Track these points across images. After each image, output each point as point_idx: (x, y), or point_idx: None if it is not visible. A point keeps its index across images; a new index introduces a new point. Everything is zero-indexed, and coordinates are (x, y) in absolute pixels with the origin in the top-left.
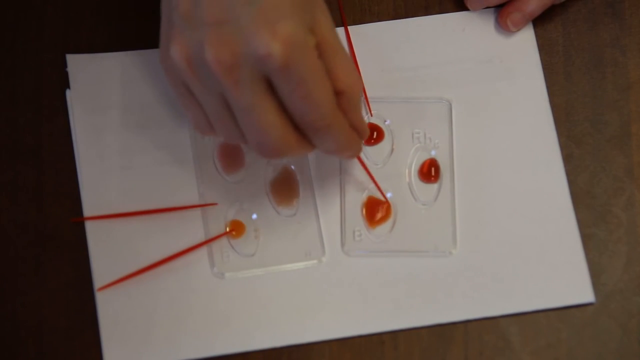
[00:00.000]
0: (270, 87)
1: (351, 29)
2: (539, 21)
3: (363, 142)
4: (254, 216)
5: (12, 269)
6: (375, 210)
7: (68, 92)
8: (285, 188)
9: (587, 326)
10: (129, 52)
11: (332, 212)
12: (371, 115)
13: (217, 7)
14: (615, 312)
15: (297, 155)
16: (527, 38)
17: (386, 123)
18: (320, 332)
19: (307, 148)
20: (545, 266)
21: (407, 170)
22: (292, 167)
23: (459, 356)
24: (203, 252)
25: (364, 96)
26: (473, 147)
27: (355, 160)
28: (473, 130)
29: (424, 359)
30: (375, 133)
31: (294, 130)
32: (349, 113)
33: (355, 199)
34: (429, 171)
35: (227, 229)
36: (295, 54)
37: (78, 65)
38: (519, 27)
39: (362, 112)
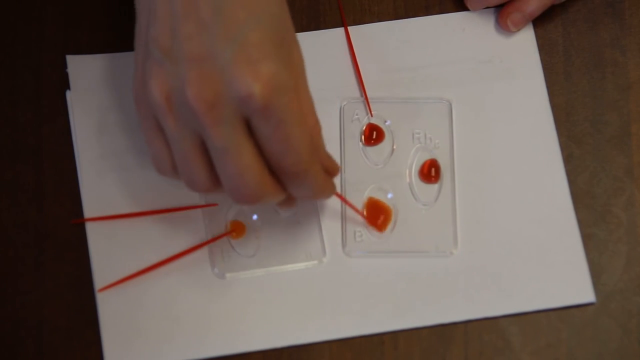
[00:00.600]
0: (249, 130)
1: (351, 29)
2: (539, 21)
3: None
4: (255, 217)
5: (12, 269)
6: (376, 211)
7: (68, 93)
8: None
9: (587, 326)
10: (129, 53)
11: (333, 212)
12: (371, 116)
13: (197, 43)
14: (615, 312)
15: (270, 202)
16: (527, 38)
17: (386, 123)
18: (321, 332)
19: (281, 194)
20: (546, 266)
21: (407, 171)
22: None
23: (459, 356)
24: (204, 252)
25: (364, 96)
26: (473, 147)
27: (355, 161)
28: (473, 130)
29: (424, 359)
30: (375, 133)
31: (269, 175)
32: (318, 152)
33: (356, 200)
34: (430, 171)
35: (228, 230)
36: (276, 95)
37: (78, 66)
38: (519, 27)
39: (325, 149)
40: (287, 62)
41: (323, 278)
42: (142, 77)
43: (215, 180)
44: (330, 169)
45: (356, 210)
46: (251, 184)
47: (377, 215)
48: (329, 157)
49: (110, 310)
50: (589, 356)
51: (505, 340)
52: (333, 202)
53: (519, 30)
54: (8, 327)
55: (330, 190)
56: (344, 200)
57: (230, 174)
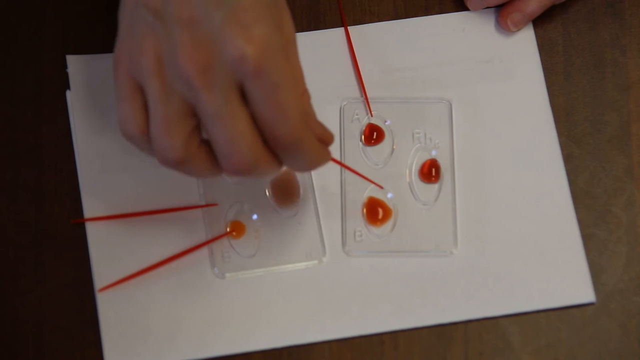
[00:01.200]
0: (243, 97)
1: (351, 29)
2: (539, 21)
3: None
4: (255, 217)
5: (12, 269)
6: (376, 210)
7: (68, 93)
8: (285, 189)
9: (587, 326)
10: None
11: (333, 212)
12: (371, 116)
13: (188, 6)
14: (615, 312)
15: (264, 174)
16: (527, 38)
17: (386, 123)
18: (321, 332)
19: (276, 165)
20: (546, 266)
21: (407, 171)
22: None
23: (459, 356)
24: (204, 252)
25: (364, 96)
26: (473, 147)
27: (355, 161)
28: (473, 130)
29: (424, 359)
30: (375, 133)
31: (263, 144)
32: (310, 121)
33: (356, 199)
34: (430, 171)
35: (228, 230)
36: (269, 58)
37: (78, 66)
38: (519, 27)
39: (317, 118)
40: (279, 26)
41: (323, 278)
42: (131, 40)
43: (189, 151)
44: (324, 138)
45: (359, 174)
46: (244, 151)
47: (376, 211)
48: (321, 126)
49: (111, 310)
50: (589, 356)
51: (505, 340)
52: (333, 202)
53: (519, 30)
54: (8, 327)
55: (326, 158)
56: (342, 165)
57: (223, 140)
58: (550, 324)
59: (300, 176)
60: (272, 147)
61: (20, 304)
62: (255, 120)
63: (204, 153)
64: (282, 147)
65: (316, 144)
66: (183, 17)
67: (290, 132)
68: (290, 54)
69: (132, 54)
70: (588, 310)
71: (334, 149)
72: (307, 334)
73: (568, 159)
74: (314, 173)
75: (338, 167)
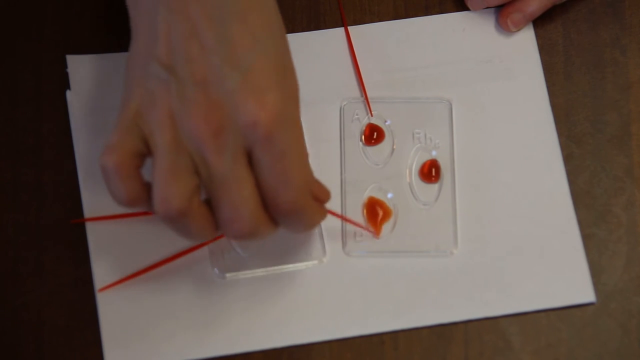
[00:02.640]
0: (249, 162)
1: (351, 29)
2: (539, 21)
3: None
4: None
5: (12, 269)
6: (376, 210)
7: (68, 93)
8: None
9: (587, 326)
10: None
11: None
12: (371, 116)
13: (203, 65)
14: (615, 312)
15: (260, 237)
16: (527, 38)
17: (386, 123)
18: (322, 332)
19: (274, 230)
20: (546, 266)
21: (407, 171)
22: None
23: (459, 356)
24: (204, 252)
25: (364, 96)
26: (473, 147)
27: (355, 161)
28: (473, 130)
29: (424, 359)
30: (375, 133)
31: (264, 210)
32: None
33: (356, 200)
34: (430, 171)
35: None
36: (280, 126)
37: (78, 66)
38: (519, 27)
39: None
40: (288, 91)
41: (323, 278)
42: (142, 93)
43: (191, 205)
44: (321, 196)
45: (357, 224)
46: (246, 218)
47: (376, 213)
48: (319, 185)
49: (111, 310)
50: (589, 356)
51: (505, 340)
52: (333, 202)
53: (519, 30)
54: (8, 327)
55: (322, 218)
56: (342, 218)
57: (226, 204)
58: (550, 324)
59: None
60: (272, 212)
61: (20, 304)
62: (258, 185)
63: (204, 211)
64: (283, 213)
65: (315, 209)
66: (197, 77)
67: (292, 200)
68: (295, 115)
69: (142, 106)
70: (588, 310)
71: (335, 149)
72: (307, 334)
73: (568, 159)
74: (314, 173)
75: (337, 165)
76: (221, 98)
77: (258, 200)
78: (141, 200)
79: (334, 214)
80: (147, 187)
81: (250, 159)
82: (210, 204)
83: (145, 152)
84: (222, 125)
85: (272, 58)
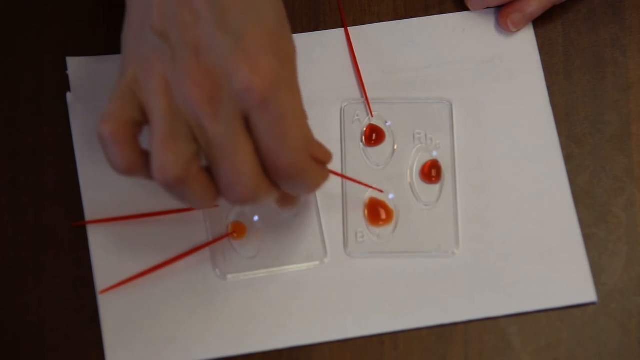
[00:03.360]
0: (247, 126)
1: (351, 29)
2: (539, 21)
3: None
4: (256, 218)
5: (12, 269)
6: (378, 211)
7: (69, 95)
8: None
9: (587, 326)
10: None
11: (334, 213)
12: (372, 117)
13: (195, 31)
14: (615, 312)
15: (262, 202)
16: (527, 38)
17: (387, 124)
18: (322, 333)
19: (275, 194)
20: (547, 266)
21: (408, 171)
22: None
23: (459, 356)
24: (205, 254)
25: (364, 97)
26: (474, 147)
27: (356, 162)
28: (474, 130)
29: (424, 359)
30: (376, 134)
31: (264, 173)
32: (310, 144)
33: (357, 200)
34: (431, 172)
35: (229, 231)
36: (275, 89)
37: (78, 68)
38: (519, 27)
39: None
40: (284, 55)
41: (324, 279)
42: (137, 60)
43: (190, 172)
44: (323, 158)
45: (358, 182)
46: (246, 182)
47: (377, 212)
48: (319, 146)
49: (112, 312)
50: (589, 356)
51: (505, 340)
52: (334, 203)
53: (519, 30)
54: (8, 327)
55: (324, 179)
56: (341, 175)
57: (225, 169)
58: (550, 324)
59: None
60: (272, 176)
61: (20, 304)
62: (257, 149)
63: (203, 178)
64: (283, 177)
65: (316, 170)
66: (190, 42)
67: (292, 163)
68: (293, 81)
69: (138, 73)
70: (588, 310)
71: (335, 151)
72: (308, 335)
73: (568, 159)
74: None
75: (338, 166)
76: (214, 63)
77: (257, 163)
78: (139, 168)
79: (335, 173)
80: (145, 155)
81: (247, 124)
82: (210, 171)
83: (142, 120)
84: (216, 90)
85: (265, 22)
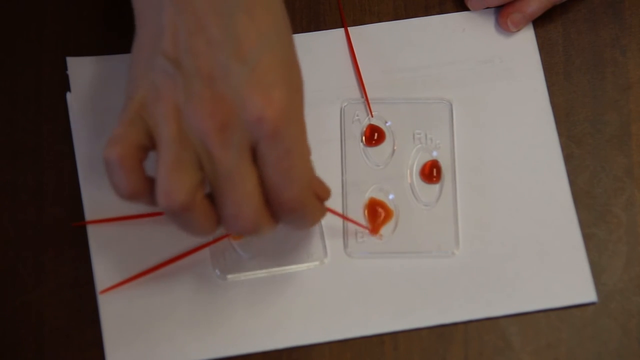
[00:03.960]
0: (254, 158)
1: (351, 29)
2: (539, 21)
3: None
4: None
5: (12, 269)
6: (377, 211)
7: (69, 95)
8: None
9: (587, 326)
10: (129, 55)
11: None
12: (372, 117)
13: (210, 60)
14: (615, 312)
15: (261, 234)
16: (527, 38)
17: (387, 124)
18: (322, 333)
19: (274, 227)
20: (547, 266)
21: (408, 171)
22: None
23: (459, 356)
24: (205, 254)
25: (365, 97)
26: (474, 147)
27: (356, 162)
28: (474, 130)
29: (424, 359)
30: (376, 134)
31: (266, 206)
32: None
33: (357, 201)
34: (431, 172)
35: None
36: (286, 122)
37: (78, 67)
38: (519, 27)
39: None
40: (295, 87)
41: (324, 279)
42: (147, 85)
43: (195, 200)
44: (322, 195)
45: (356, 223)
46: (250, 214)
47: (377, 212)
48: (320, 182)
49: (112, 312)
50: (589, 356)
51: (505, 340)
52: (335, 203)
53: (519, 30)
54: (8, 327)
55: (322, 216)
56: (342, 216)
57: (230, 201)
58: (550, 324)
59: None
60: (274, 209)
61: (20, 304)
62: (261, 181)
63: (207, 206)
64: (286, 210)
65: (317, 206)
66: (203, 72)
67: (295, 197)
68: (301, 110)
69: (147, 99)
70: (588, 310)
71: (335, 150)
72: (308, 336)
73: (568, 159)
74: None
75: (338, 167)
76: (227, 93)
77: (261, 196)
78: (143, 194)
79: (333, 212)
80: (149, 182)
81: (254, 155)
82: (212, 199)
83: (149, 145)
84: (228, 120)
85: (278, 53)
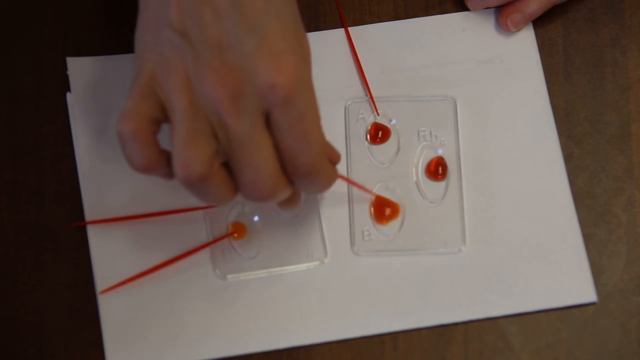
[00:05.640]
0: (267, 124)
1: (351, 29)
2: (539, 21)
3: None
4: (256, 218)
5: (12, 269)
6: (383, 209)
7: (69, 95)
8: None
9: (587, 326)
10: (129, 55)
11: (335, 212)
12: (377, 115)
13: (217, 30)
14: (615, 312)
15: (277, 200)
16: (527, 38)
17: (392, 123)
18: (323, 333)
19: (290, 191)
20: (548, 266)
21: (414, 169)
22: None
23: (459, 356)
24: (205, 254)
25: (369, 95)
26: (475, 147)
27: (361, 160)
28: (475, 130)
29: (424, 359)
30: (381, 132)
31: (282, 171)
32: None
33: (363, 198)
34: (437, 169)
35: (229, 231)
36: (297, 88)
37: (78, 68)
38: (519, 27)
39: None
40: (303, 53)
41: (324, 279)
42: (156, 58)
43: (212, 169)
44: (333, 158)
45: (364, 189)
46: (266, 180)
47: (383, 210)
48: (331, 147)
49: (112, 312)
50: (589, 356)
51: (505, 340)
52: (335, 202)
53: (519, 30)
54: (8, 327)
55: (335, 179)
56: (350, 181)
57: (246, 167)
58: (550, 324)
59: None
60: (290, 174)
61: (20, 304)
62: (276, 147)
63: (224, 175)
64: (301, 174)
65: (330, 169)
66: (212, 41)
67: (311, 162)
68: (310, 78)
69: (157, 71)
70: (588, 310)
71: (340, 150)
72: (308, 336)
73: (568, 159)
74: None
75: (343, 165)
76: (237, 62)
77: (277, 162)
78: (158, 166)
79: (341, 177)
80: (164, 154)
81: (267, 121)
82: (228, 167)
83: (161, 117)
84: (239, 88)
85: (285, 20)
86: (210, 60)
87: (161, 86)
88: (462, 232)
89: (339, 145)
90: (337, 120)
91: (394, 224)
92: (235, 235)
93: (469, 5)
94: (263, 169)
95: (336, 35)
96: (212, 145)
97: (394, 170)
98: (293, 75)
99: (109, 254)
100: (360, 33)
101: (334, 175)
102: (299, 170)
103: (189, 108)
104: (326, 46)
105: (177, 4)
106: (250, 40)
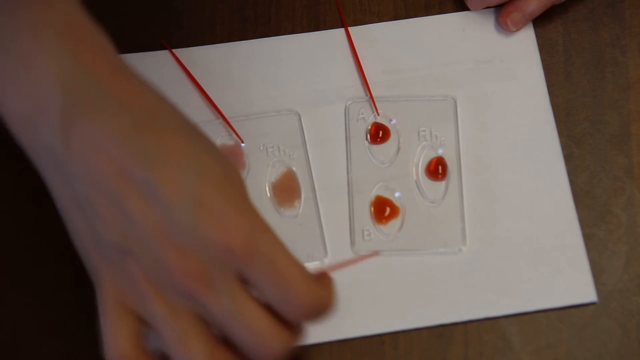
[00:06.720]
0: (244, 284)
1: (351, 29)
2: (539, 21)
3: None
4: None
5: (12, 269)
6: (384, 209)
7: None
8: (286, 189)
9: (587, 326)
10: (128, 55)
11: (335, 212)
12: (378, 115)
13: (152, 217)
14: (615, 312)
15: (294, 345)
16: (527, 38)
17: (392, 122)
18: (323, 333)
19: (301, 334)
20: (548, 266)
21: (414, 169)
22: (294, 168)
23: (459, 356)
24: None
25: (369, 95)
26: (475, 147)
27: (361, 160)
28: (475, 130)
29: (424, 359)
30: (381, 132)
31: (281, 322)
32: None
33: (363, 198)
34: (437, 169)
35: None
36: (252, 234)
37: None
38: (519, 27)
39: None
40: (241, 199)
41: None
42: (112, 273)
43: (216, 355)
44: (324, 280)
45: (363, 257)
46: (272, 341)
47: (383, 210)
48: (318, 273)
49: None
50: (589, 356)
51: (505, 340)
52: (335, 202)
53: (518, 30)
54: (8, 327)
55: (334, 295)
56: (349, 263)
57: (247, 337)
58: (550, 324)
59: (301, 177)
60: (290, 320)
61: (20, 304)
62: (265, 299)
63: (229, 352)
64: (304, 316)
65: (329, 291)
66: (155, 231)
67: (304, 300)
68: (252, 208)
69: (118, 285)
70: (588, 310)
71: (340, 149)
72: (307, 336)
73: (568, 159)
74: (316, 173)
75: (343, 165)
76: (186, 240)
77: (271, 318)
78: None
79: (340, 267)
80: (157, 357)
81: (242, 279)
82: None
83: (141, 326)
84: (202, 266)
85: (209, 176)
86: (163, 252)
87: (128, 298)
88: (463, 232)
89: (338, 145)
90: (337, 120)
91: (394, 223)
92: None
93: (469, 5)
94: (264, 332)
95: (336, 35)
96: (207, 333)
97: (394, 170)
98: (242, 229)
99: None
100: (361, 33)
101: (332, 294)
102: (299, 313)
103: (167, 311)
104: (326, 46)
105: (102, 208)
106: (185, 214)
